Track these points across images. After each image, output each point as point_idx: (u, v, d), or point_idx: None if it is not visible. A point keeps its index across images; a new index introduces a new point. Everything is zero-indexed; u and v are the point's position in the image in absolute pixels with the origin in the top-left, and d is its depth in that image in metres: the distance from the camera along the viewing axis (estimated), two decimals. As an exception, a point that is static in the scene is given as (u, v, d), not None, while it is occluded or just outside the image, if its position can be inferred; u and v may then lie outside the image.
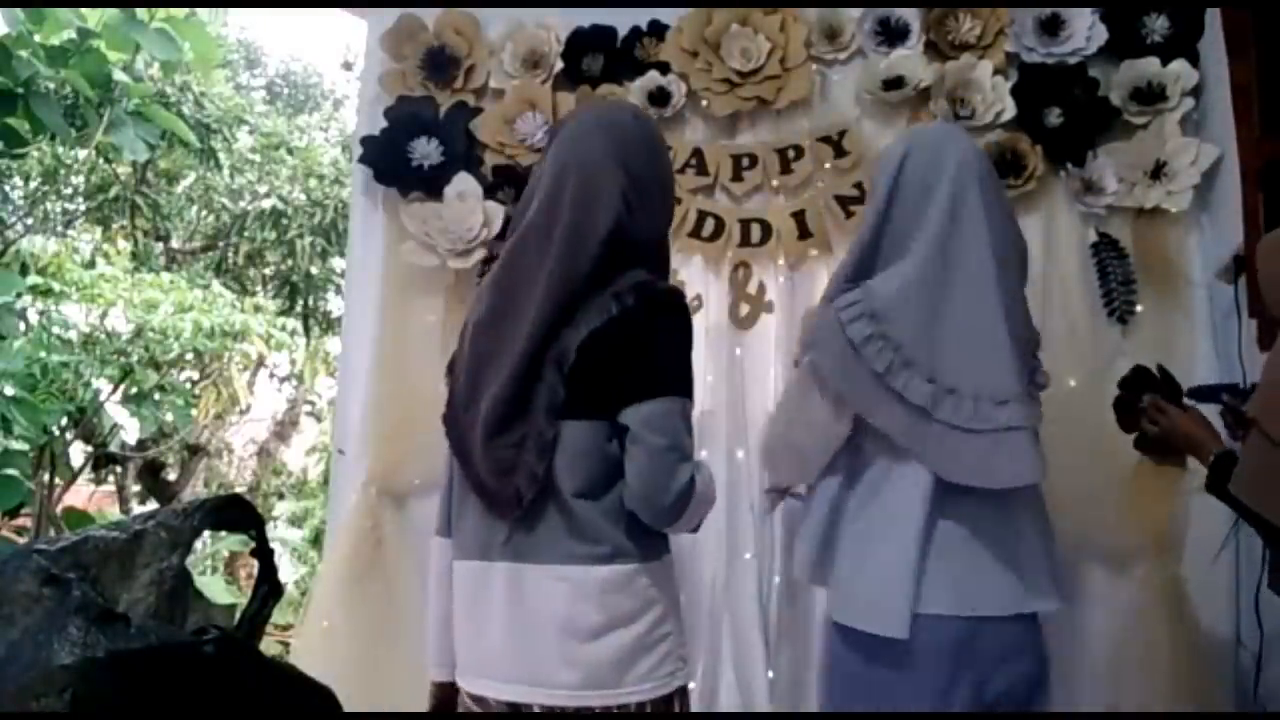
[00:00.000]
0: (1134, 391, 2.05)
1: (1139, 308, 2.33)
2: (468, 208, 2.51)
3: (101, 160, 6.62)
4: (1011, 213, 1.78)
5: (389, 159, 2.58)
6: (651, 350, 1.42)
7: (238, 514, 0.95)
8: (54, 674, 0.80)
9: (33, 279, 5.28)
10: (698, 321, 2.47)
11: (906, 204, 1.68)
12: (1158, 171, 2.32)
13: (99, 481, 7.54)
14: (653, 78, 2.53)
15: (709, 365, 2.44)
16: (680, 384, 1.43)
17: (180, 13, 4.21)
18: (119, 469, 7.30)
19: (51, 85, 4.16)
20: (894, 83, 2.43)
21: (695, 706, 2.32)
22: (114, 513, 6.61)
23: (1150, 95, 2.34)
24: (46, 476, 5.71)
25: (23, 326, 5.16)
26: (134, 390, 5.81)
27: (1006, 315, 1.61)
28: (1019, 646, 1.64)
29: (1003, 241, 1.66)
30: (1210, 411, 1.97)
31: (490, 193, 2.55)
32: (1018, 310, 1.68)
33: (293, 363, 7.91)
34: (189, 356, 6.03)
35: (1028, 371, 1.68)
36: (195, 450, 7.79)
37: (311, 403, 8.90)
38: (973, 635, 1.58)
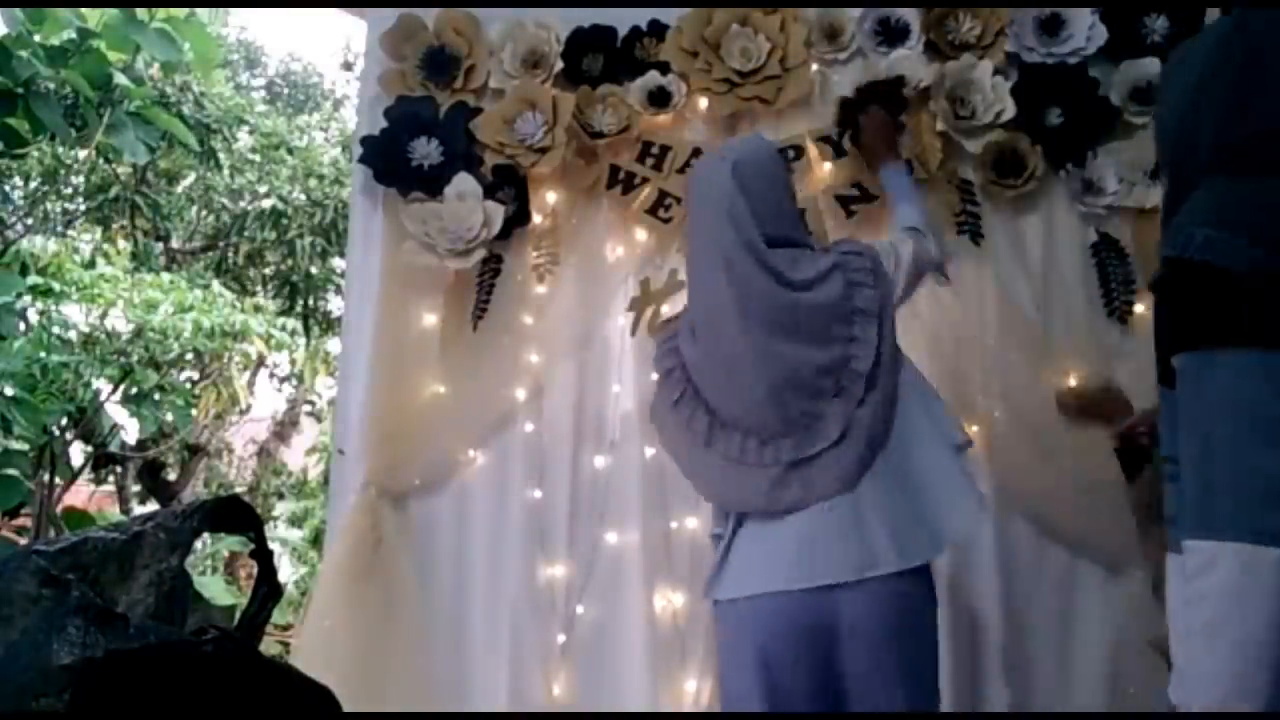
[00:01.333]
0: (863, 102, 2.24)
1: (1139, 308, 2.33)
2: (467, 208, 2.51)
3: (101, 160, 6.61)
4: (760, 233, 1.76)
5: (389, 159, 2.58)
6: None
7: (236, 516, 0.95)
8: (53, 674, 0.80)
9: (33, 279, 5.28)
10: (698, 321, 2.49)
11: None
12: (1158, 171, 2.31)
13: (99, 481, 7.53)
14: (653, 78, 2.53)
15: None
16: None
17: (180, 13, 4.21)
18: (119, 469, 7.29)
19: (51, 85, 4.16)
20: (894, 83, 2.43)
21: (695, 707, 2.32)
22: (114, 513, 6.61)
23: (1150, 95, 2.34)
24: (46, 476, 5.70)
25: (23, 326, 5.16)
26: (134, 390, 5.81)
27: (760, 357, 1.68)
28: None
29: (752, 277, 1.71)
30: None
31: (490, 193, 2.54)
32: (786, 344, 1.69)
33: (293, 363, 7.90)
34: (189, 356, 6.03)
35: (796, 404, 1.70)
36: (195, 450, 7.78)
37: (311, 403, 8.90)
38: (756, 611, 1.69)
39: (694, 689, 2.33)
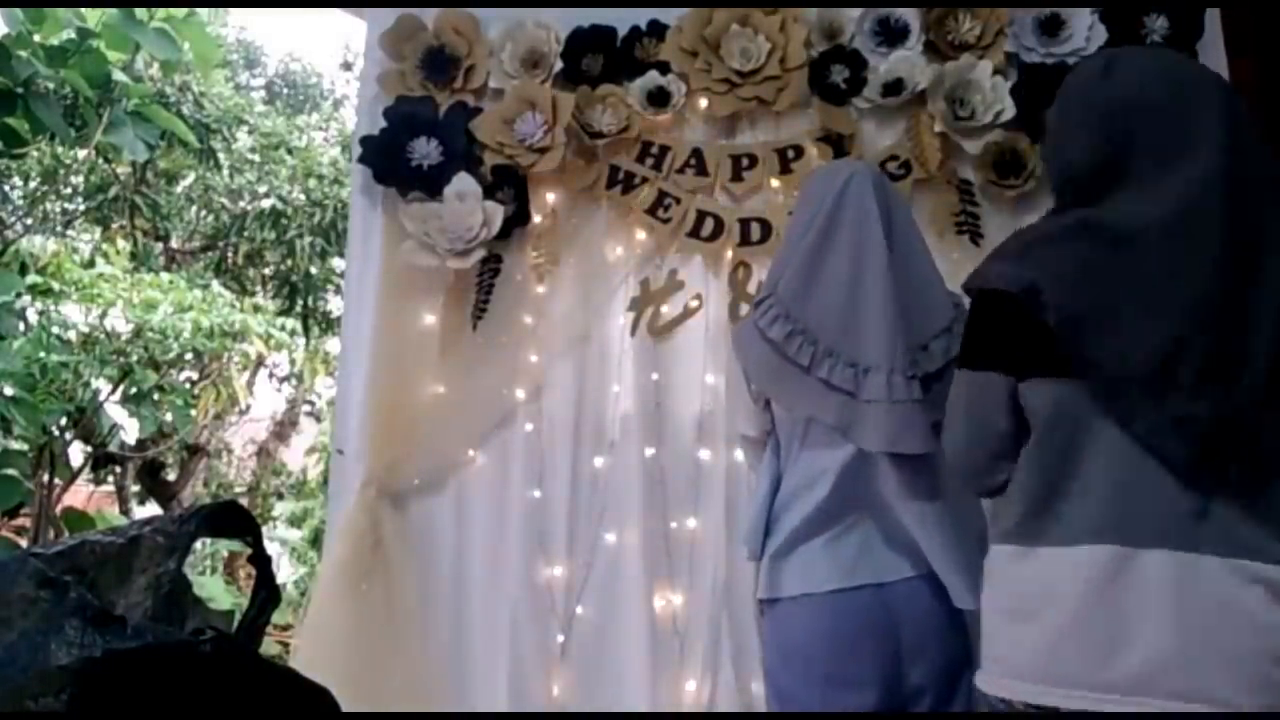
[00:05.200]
0: None
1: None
2: (467, 208, 2.50)
3: (101, 160, 6.61)
4: (914, 224, 1.86)
5: (388, 159, 2.58)
6: None
7: (234, 520, 0.95)
8: (52, 674, 0.80)
9: (32, 279, 5.28)
10: (697, 321, 2.48)
11: (803, 217, 1.82)
12: (1158, 171, 2.31)
13: (98, 482, 7.52)
14: (653, 78, 2.53)
15: (710, 364, 2.44)
16: None
17: (180, 12, 4.20)
18: (118, 469, 7.28)
19: (51, 85, 4.16)
20: (893, 87, 2.43)
21: (695, 706, 2.32)
22: (113, 513, 6.60)
23: (1150, 95, 2.34)
24: (46, 476, 5.70)
25: (22, 326, 5.16)
26: (133, 390, 5.80)
27: (892, 291, 1.68)
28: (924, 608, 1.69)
29: (897, 234, 1.75)
30: None
31: (490, 193, 2.54)
32: (911, 295, 1.71)
33: (292, 363, 7.89)
34: (188, 356, 6.02)
35: (908, 352, 1.70)
36: (195, 450, 7.77)
37: (311, 403, 8.89)
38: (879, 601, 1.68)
39: (694, 689, 2.34)
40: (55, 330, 5.37)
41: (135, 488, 7.59)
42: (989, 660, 1.27)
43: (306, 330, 7.57)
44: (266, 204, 7.44)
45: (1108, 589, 1.16)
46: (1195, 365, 1.15)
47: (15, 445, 4.51)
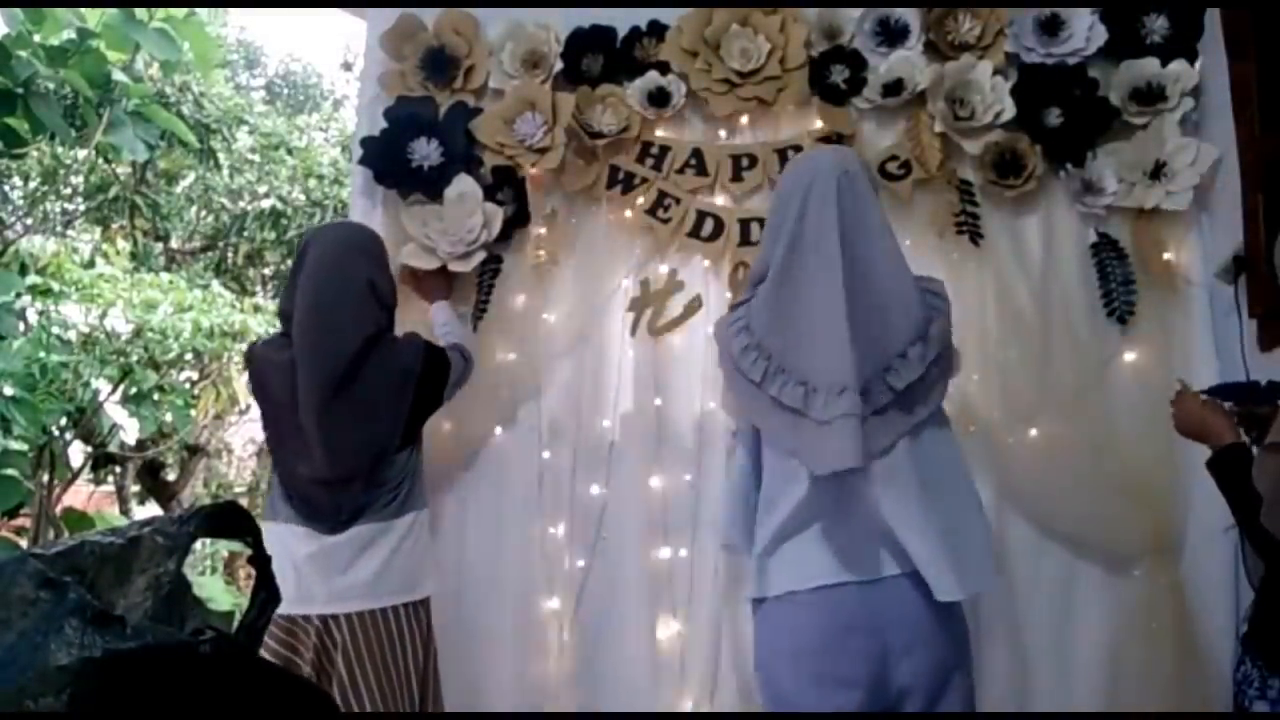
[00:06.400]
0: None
1: (1139, 308, 2.32)
2: (467, 209, 2.50)
3: (101, 160, 6.61)
4: (882, 223, 1.76)
5: (389, 160, 2.58)
6: None
7: (234, 520, 0.95)
8: (51, 674, 0.80)
9: (32, 279, 5.27)
10: (698, 321, 2.48)
11: (775, 221, 1.80)
12: (1157, 171, 2.31)
13: (98, 482, 7.51)
14: (653, 78, 2.53)
15: (710, 364, 2.44)
16: None
17: (180, 12, 4.21)
18: (118, 469, 7.27)
19: (51, 85, 4.16)
20: (893, 87, 2.43)
21: (695, 707, 2.32)
22: (113, 513, 6.60)
23: (1150, 95, 2.34)
24: (46, 477, 5.69)
25: (22, 326, 5.15)
26: (133, 390, 5.79)
27: (850, 313, 1.64)
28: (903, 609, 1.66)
29: (858, 244, 1.70)
30: None
31: (490, 194, 2.54)
32: (874, 310, 1.67)
33: (292, 363, 7.86)
34: (188, 356, 6.01)
35: (878, 368, 1.66)
36: (195, 450, 7.76)
37: (311, 403, 8.85)
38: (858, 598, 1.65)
39: (695, 688, 2.34)
40: (55, 330, 5.36)
41: (135, 488, 7.58)
42: None
43: (306, 331, 7.53)
44: (266, 204, 7.43)
45: None
46: None
47: (15, 445, 4.51)
